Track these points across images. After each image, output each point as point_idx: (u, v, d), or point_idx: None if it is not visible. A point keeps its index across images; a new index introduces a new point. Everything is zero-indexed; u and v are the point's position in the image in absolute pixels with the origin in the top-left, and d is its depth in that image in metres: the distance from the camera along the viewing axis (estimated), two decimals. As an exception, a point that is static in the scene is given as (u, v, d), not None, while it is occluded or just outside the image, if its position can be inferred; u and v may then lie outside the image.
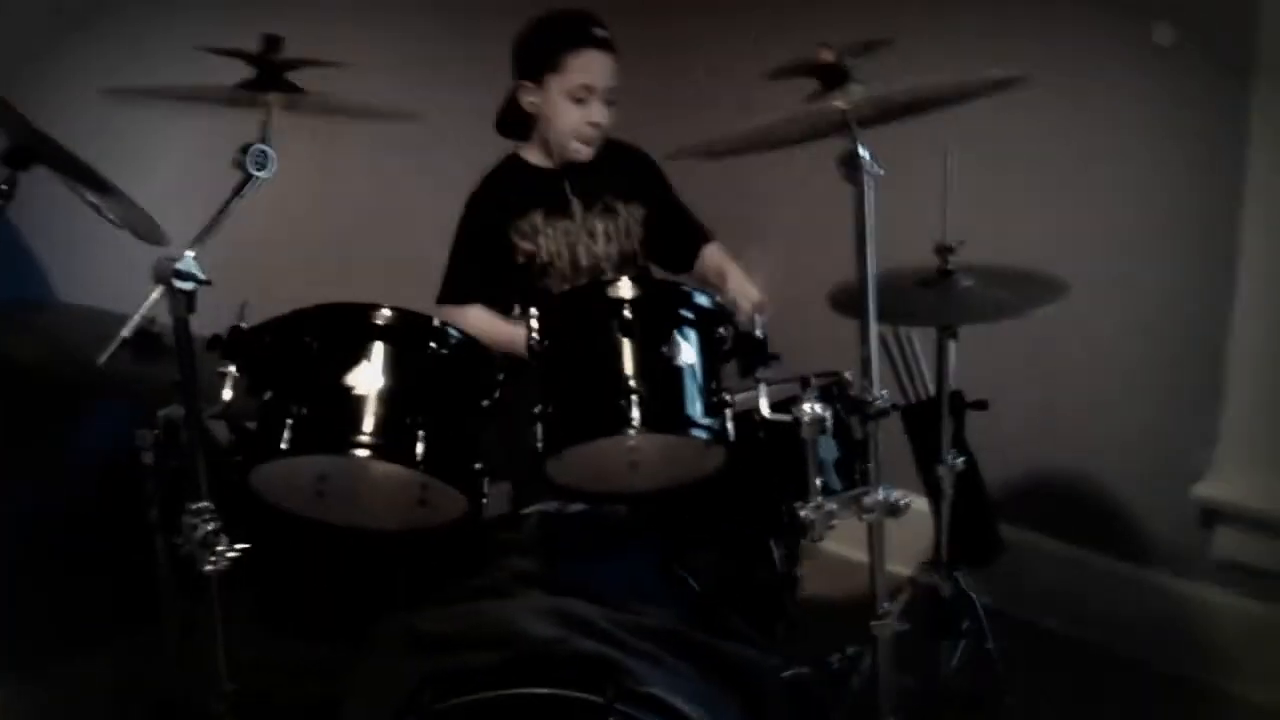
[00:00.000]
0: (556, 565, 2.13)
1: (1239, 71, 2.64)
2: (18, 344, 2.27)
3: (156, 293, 1.78)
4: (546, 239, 2.70)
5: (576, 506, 2.21)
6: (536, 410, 1.97)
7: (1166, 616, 2.96)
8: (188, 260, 1.79)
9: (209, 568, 1.89)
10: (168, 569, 2.38)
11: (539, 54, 2.67)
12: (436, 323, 2.01)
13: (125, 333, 1.78)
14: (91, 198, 2.26)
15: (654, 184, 2.85)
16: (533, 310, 2.04)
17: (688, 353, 2.00)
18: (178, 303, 1.80)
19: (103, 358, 1.75)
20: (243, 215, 1.85)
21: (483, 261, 2.68)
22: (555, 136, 2.70)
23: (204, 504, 1.89)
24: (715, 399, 1.99)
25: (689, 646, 1.99)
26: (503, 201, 2.71)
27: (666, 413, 1.94)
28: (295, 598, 2.23)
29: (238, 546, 1.90)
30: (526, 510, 2.23)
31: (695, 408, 1.97)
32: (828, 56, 1.91)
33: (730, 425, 1.98)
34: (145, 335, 2.29)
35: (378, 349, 1.98)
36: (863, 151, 1.91)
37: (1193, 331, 2.86)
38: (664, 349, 1.97)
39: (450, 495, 1.99)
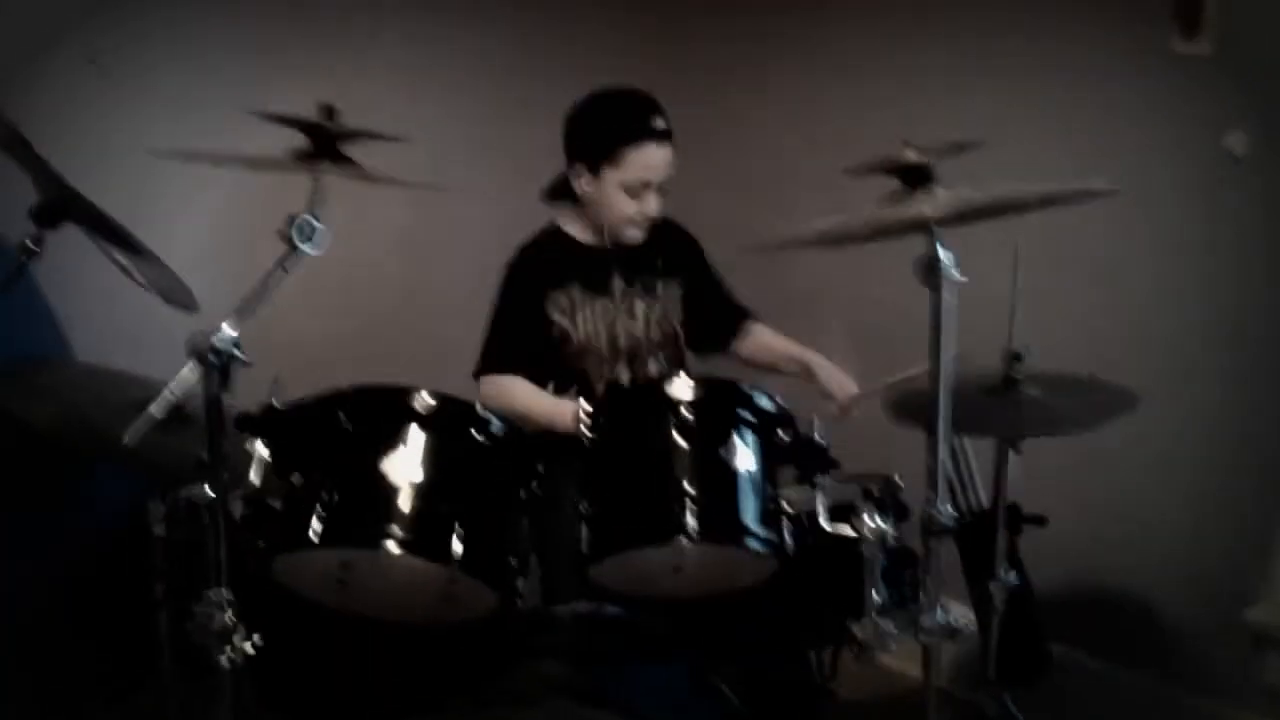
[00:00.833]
0: (588, 672, 2.03)
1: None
2: (31, 405, 2.16)
3: (190, 369, 1.68)
4: (584, 318, 2.62)
5: (612, 609, 2.09)
6: (584, 509, 1.88)
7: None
8: (226, 336, 1.68)
9: (224, 661, 1.78)
10: (169, 645, 2.26)
11: (595, 143, 2.58)
12: (480, 410, 1.94)
13: (156, 412, 1.66)
14: (121, 259, 2.17)
15: (694, 262, 2.79)
16: (584, 404, 1.95)
17: (746, 457, 1.91)
18: (212, 381, 1.70)
19: (132, 437, 1.64)
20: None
21: (520, 332, 2.58)
22: (607, 223, 2.62)
23: (223, 592, 1.77)
24: (772, 507, 1.91)
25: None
26: (540, 273, 2.63)
27: (722, 522, 1.87)
28: (309, 687, 2.11)
29: (254, 639, 1.79)
30: (559, 609, 2.11)
31: (751, 517, 1.89)
32: (913, 157, 1.82)
33: (789, 537, 1.88)
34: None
35: (416, 435, 1.92)
36: (945, 258, 1.81)
37: (1250, 452, 2.75)
38: (721, 452, 1.86)
39: (480, 591, 1.91)
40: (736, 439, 1.92)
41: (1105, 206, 2.42)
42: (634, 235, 2.64)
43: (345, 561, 1.93)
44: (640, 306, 2.67)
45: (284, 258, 1.78)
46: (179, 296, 2.13)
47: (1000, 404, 2.26)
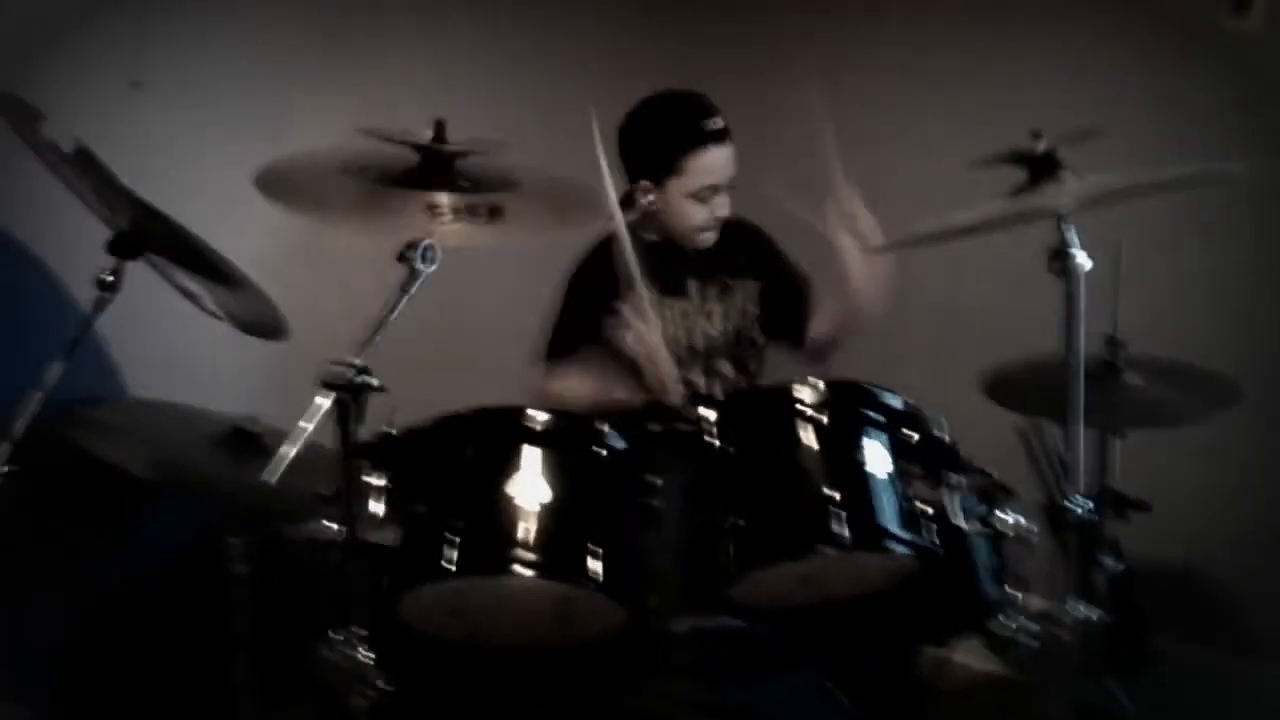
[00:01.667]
0: (715, 688, 1.99)
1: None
2: (111, 444, 2.11)
3: (326, 401, 1.62)
4: (663, 320, 2.56)
5: (732, 622, 2.05)
6: (725, 524, 1.85)
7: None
8: (359, 365, 1.63)
9: (360, 701, 1.73)
10: (250, 687, 2.21)
11: (653, 157, 2.54)
12: (598, 425, 1.91)
13: (293, 449, 1.60)
14: (194, 286, 2.11)
15: (767, 256, 2.75)
16: (705, 411, 1.92)
17: (880, 458, 1.89)
18: (347, 413, 1.64)
19: (273, 476, 1.58)
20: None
21: (589, 327, 2.51)
22: (679, 232, 2.59)
23: (357, 630, 1.72)
24: (911, 508, 1.88)
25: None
26: (608, 280, 2.55)
27: (869, 527, 1.84)
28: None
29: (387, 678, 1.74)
30: (679, 625, 2.06)
31: (893, 519, 1.86)
32: (1041, 146, 1.80)
33: (932, 538, 1.86)
34: (243, 434, 2.16)
35: (538, 455, 1.86)
36: (1077, 248, 1.80)
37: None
38: (856, 455, 1.84)
39: (610, 610, 1.88)
40: (868, 440, 1.89)
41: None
42: (708, 240, 2.61)
43: (465, 591, 1.88)
44: (717, 308, 2.65)
45: (406, 281, 1.73)
46: (265, 323, 2.06)
47: (1101, 392, 2.26)
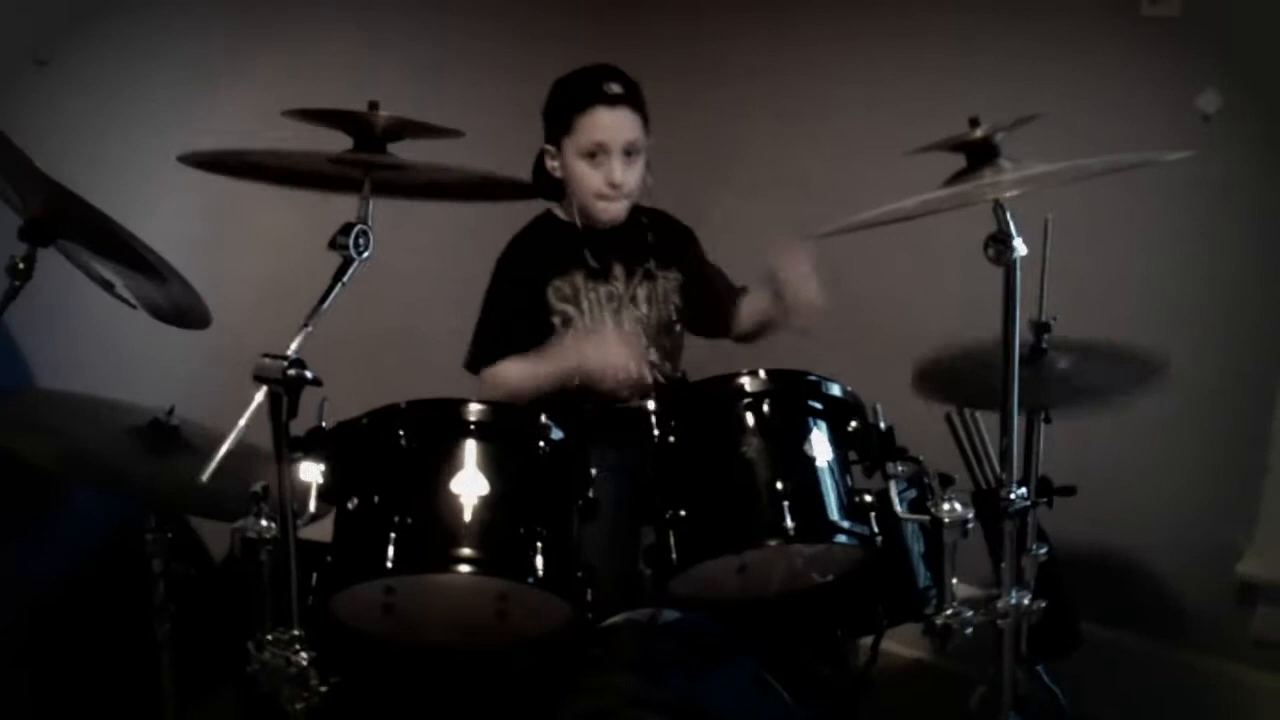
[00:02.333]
0: (658, 681, 1.98)
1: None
2: (19, 437, 2.02)
3: (260, 395, 1.58)
4: (589, 303, 2.60)
5: (669, 614, 2.06)
6: (667, 515, 1.86)
7: (1203, 695, 2.96)
8: (296, 359, 1.59)
9: (299, 705, 1.70)
10: (173, 688, 2.16)
11: (554, 117, 2.60)
12: (543, 418, 1.88)
13: (226, 446, 1.56)
14: (108, 274, 2.04)
15: (688, 249, 2.78)
16: (650, 403, 1.93)
17: (824, 449, 1.90)
18: (279, 407, 1.61)
19: (205, 475, 1.54)
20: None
21: (517, 321, 2.55)
22: (579, 200, 2.60)
23: (295, 633, 1.69)
24: (856, 499, 1.90)
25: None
26: (540, 259, 2.60)
27: (815, 519, 1.86)
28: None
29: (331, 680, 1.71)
30: (616, 619, 2.07)
31: (838, 511, 1.88)
32: (979, 133, 1.82)
33: (876, 529, 1.88)
34: (161, 427, 2.11)
35: (477, 449, 1.84)
36: (1015, 234, 1.82)
37: (1238, 412, 2.88)
38: (802, 446, 1.84)
39: (555, 606, 1.87)
40: (814, 430, 1.91)
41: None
42: (608, 210, 2.61)
43: (397, 588, 1.86)
44: (642, 293, 2.66)
45: (342, 270, 1.69)
46: (186, 312, 2.01)
47: (1029, 375, 2.29)
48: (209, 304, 2.04)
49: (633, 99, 2.58)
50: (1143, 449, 2.96)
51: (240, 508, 1.75)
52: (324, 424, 1.81)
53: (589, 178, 2.57)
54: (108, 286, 2.08)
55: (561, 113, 2.59)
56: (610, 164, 2.56)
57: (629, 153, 2.57)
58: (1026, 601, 1.97)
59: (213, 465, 1.56)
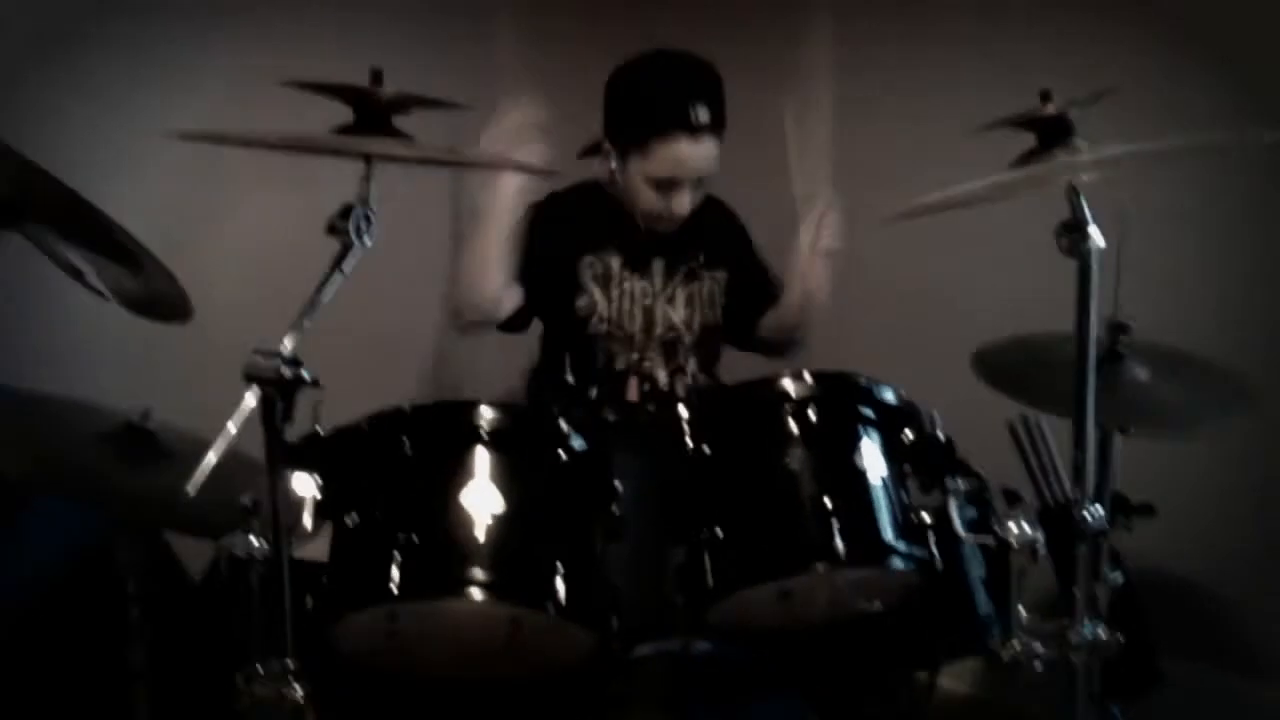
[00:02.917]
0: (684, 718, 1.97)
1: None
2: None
3: (251, 397, 1.57)
4: (621, 293, 2.60)
5: (702, 645, 2.05)
6: (702, 535, 1.86)
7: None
8: (291, 357, 1.59)
9: (291, 744, 1.69)
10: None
11: (626, 123, 2.55)
12: (563, 425, 1.88)
13: (214, 456, 1.56)
14: (79, 261, 2.04)
15: (740, 245, 2.79)
16: (683, 409, 1.92)
17: (876, 462, 1.90)
18: (272, 409, 1.60)
19: (192, 487, 1.53)
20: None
21: (538, 282, 2.54)
22: (628, 208, 2.60)
23: (288, 664, 1.68)
24: (913, 518, 1.90)
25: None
26: (576, 225, 2.60)
27: (867, 541, 1.85)
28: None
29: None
30: (643, 650, 2.05)
31: (893, 532, 1.88)
32: (1051, 109, 1.81)
33: (936, 551, 1.88)
34: (136, 431, 2.10)
35: (490, 458, 1.83)
36: (1091, 222, 1.81)
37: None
38: (852, 458, 1.86)
39: (576, 636, 1.86)
40: (865, 440, 1.90)
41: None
42: (654, 227, 2.61)
43: (401, 615, 1.85)
44: (682, 295, 2.65)
45: (341, 257, 1.68)
46: (164, 303, 2.00)
47: (1104, 381, 2.28)
48: (190, 295, 2.03)
49: (718, 122, 2.53)
50: (1223, 468, 2.94)
51: (225, 523, 1.75)
52: (319, 430, 1.80)
53: (650, 202, 2.56)
54: (77, 275, 2.07)
55: (637, 125, 2.53)
56: (677, 197, 2.54)
57: (699, 184, 2.55)
58: (1101, 633, 1.96)
59: (200, 476, 1.55)
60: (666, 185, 2.51)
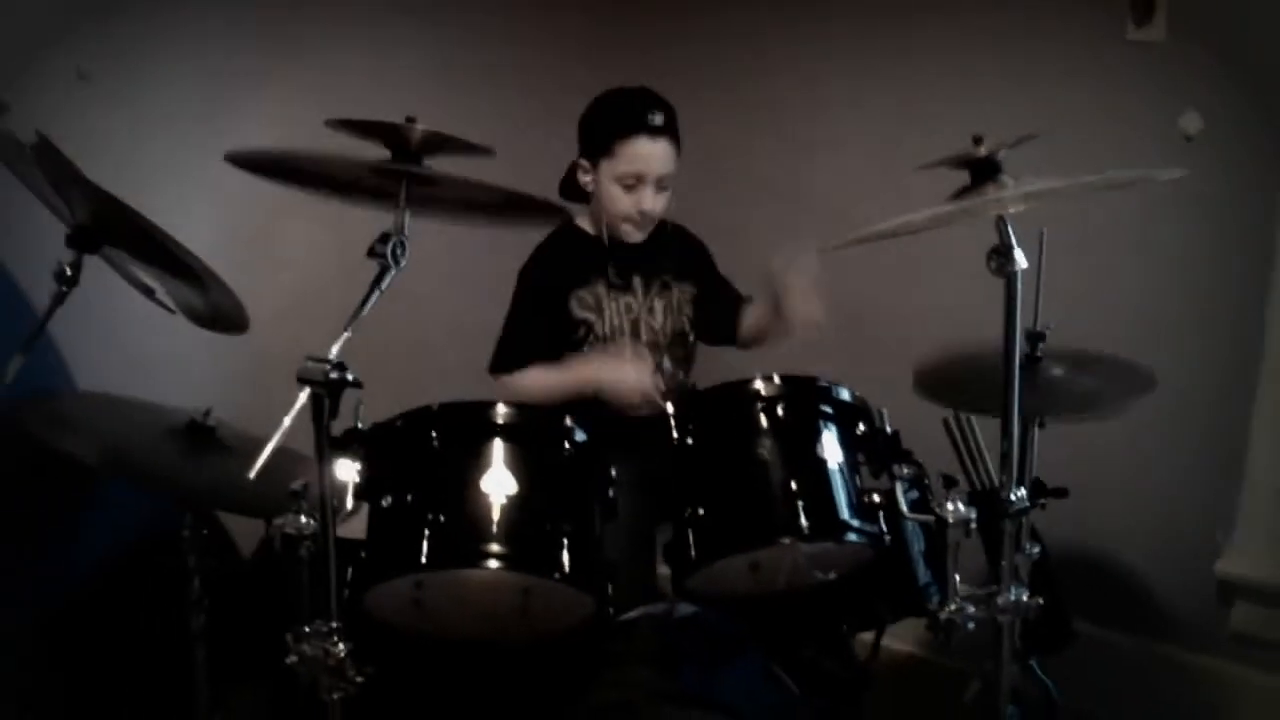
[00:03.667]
0: (674, 674, 1.99)
1: (1269, 159, 2.72)
2: (67, 436, 2.04)
3: (304, 396, 1.59)
4: (610, 312, 2.63)
5: (685, 610, 2.07)
6: (686, 514, 1.89)
7: (1186, 689, 2.99)
8: (337, 362, 1.61)
9: (336, 695, 1.71)
10: (205, 677, 2.17)
11: (594, 136, 2.61)
12: (568, 421, 1.90)
13: (272, 444, 1.58)
14: (149, 279, 2.06)
15: (702, 264, 2.81)
16: (669, 407, 1.96)
17: (834, 451, 1.92)
18: (321, 408, 1.62)
19: (252, 473, 1.55)
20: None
21: (539, 330, 2.59)
22: (606, 218, 2.63)
23: (333, 625, 1.69)
24: (866, 500, 1.93)
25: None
26: (563, 270, 2.63)
27: (828, 518, 1.88)
28: (388, 714, 2.02)
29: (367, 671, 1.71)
30: (633, 614, 2.08)
31: (849, 510, 1.91)
32: (982, 150, 1.84)
33: (884, 527, 1.91)
34: (198, 428, 2.12)
35: (505, 449, 1.85)
36: (1016, 246, 1.84)
37: (1216, 414, 2.91)
38: (814, 448, 1.88)
39: (580, 601, 1.89)
40: (825, 433, 1.94)
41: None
42: (631, 234, 2.65)
43: (426, 583, 1.87)
44: (659, 303, 2.69)
45: (379, 278, 1.71)
46: (224, 316, 2.02)
47: (1025, 381, 2.31)
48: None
49: (672, 129, 2.59)
50: (1127, 454, 2.98)
51: (273, 505, 1.77)
52: (360, 424, 1.82)
53: (620, 202, 2.60)
54: (148, 292, 2.10)
55: (603, 134, 2.59)
56: (643, 193, 2.58)
57: (662, 184, 2.59)
58: (1025, 598, 1.99)
59: (259, 463, 1.56)
60: (633, 183, 2.56)
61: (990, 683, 2.19)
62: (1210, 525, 2.95)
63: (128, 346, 2.54)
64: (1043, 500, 2.40)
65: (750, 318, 2.75)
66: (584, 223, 2.70)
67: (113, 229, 1.89)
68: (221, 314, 2.00)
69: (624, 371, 2.44)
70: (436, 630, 1.96)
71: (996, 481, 2.53)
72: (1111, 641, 3.08)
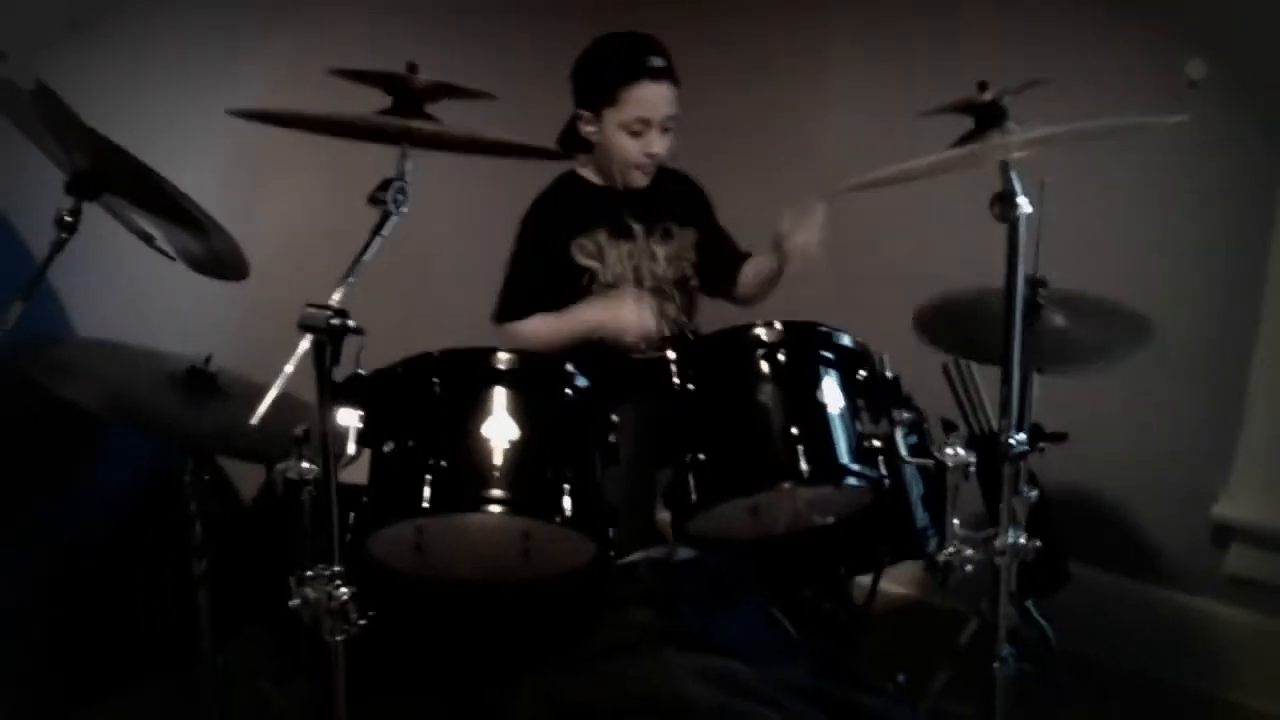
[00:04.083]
0: (674, 616, 1.99)
1: (1271, 106, 2.69)
2: (67, 381, 2.01)
3: (306, 343, 1.58)
4: (612, 259, 2.61)
5: (685, 553, 2.07)
6: (687, 459, 1.88)
7: (1181, 629, 3.01)
8: (340, 309, 1.59)
9: (338, 637, 1.70)
10: (209, 621, 2.17)
11: (595, 86, 2.58)
12: (569, 367, 1.89)
13: (275, 391, 1.57)
14: (149, 226, 2.04)
15: (703, 210, 2.79)
16: (670, 353, 1.96)
17: (835, 396, 1.92)
18: (324, 355, 1.61)
19: (255, 418, 1.54)
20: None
21: (542, 278, 2.58)
22: (613, 166, 2.60)
23: (336, 569, 1.69)
24: (865, 444, 1.92)
25: (834, 703, 1.89)
26: (564, 218, 2.61)
27: (828, 462, 1.88)
28: (394, 661, 2.03)
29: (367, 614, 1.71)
30: (631, 558, 2.08)
31: (848, 455, 1.90)
32: (987, 96, 1.82)
33: (884, 471, 1.91)
34: (199, 374, 2.11)
35: (507, 395, 1.84)
36: (1020, 193, 1.82)
37: (1214, 361, 2.90)
38: (815, 393, 1.87)
39: (581, 545, 1.88)
40: (823, 378, 1.93)
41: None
42: (639, 179, 2.62)
43: (428, 527, 1.87)
44: (660, 250, 2.67)
45: (381, 224, 1.69)
46: (224, 263, 2.00)
47: (1025, 328, 2.30)
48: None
49: (671, 70, 2.57)
50: (1127, 399, 2.97)
51: (274, 450, 1.76)
52: (361, 371, 1.81)
53: (627, 148, 2.57)
54: (148, 239, 2.08)
55: (604, 82, 2.56)
56: (650, 137, 2.56)
57: (666, 126, 2.57)
58: (1023, 540, 1.99)
59: (262, 409, 1.56)
60: (639, 127, 2.54)
61: (987, 624, 2.22)
62: (1208, 470, 2.95)
63: (127, 294, 2.52)
64: (1041, 445, 2.42)
65: (752, 269, 2.75)
66: (585, 171, 2.68)
67: (112, 175, 1.87)
68: (221, 260, 1.99)
69: (624, 312, 2.42)
70: (438, 574, 1.96)
71: (995, 426, 2.55)
72: (1108, 583, 3.09)
